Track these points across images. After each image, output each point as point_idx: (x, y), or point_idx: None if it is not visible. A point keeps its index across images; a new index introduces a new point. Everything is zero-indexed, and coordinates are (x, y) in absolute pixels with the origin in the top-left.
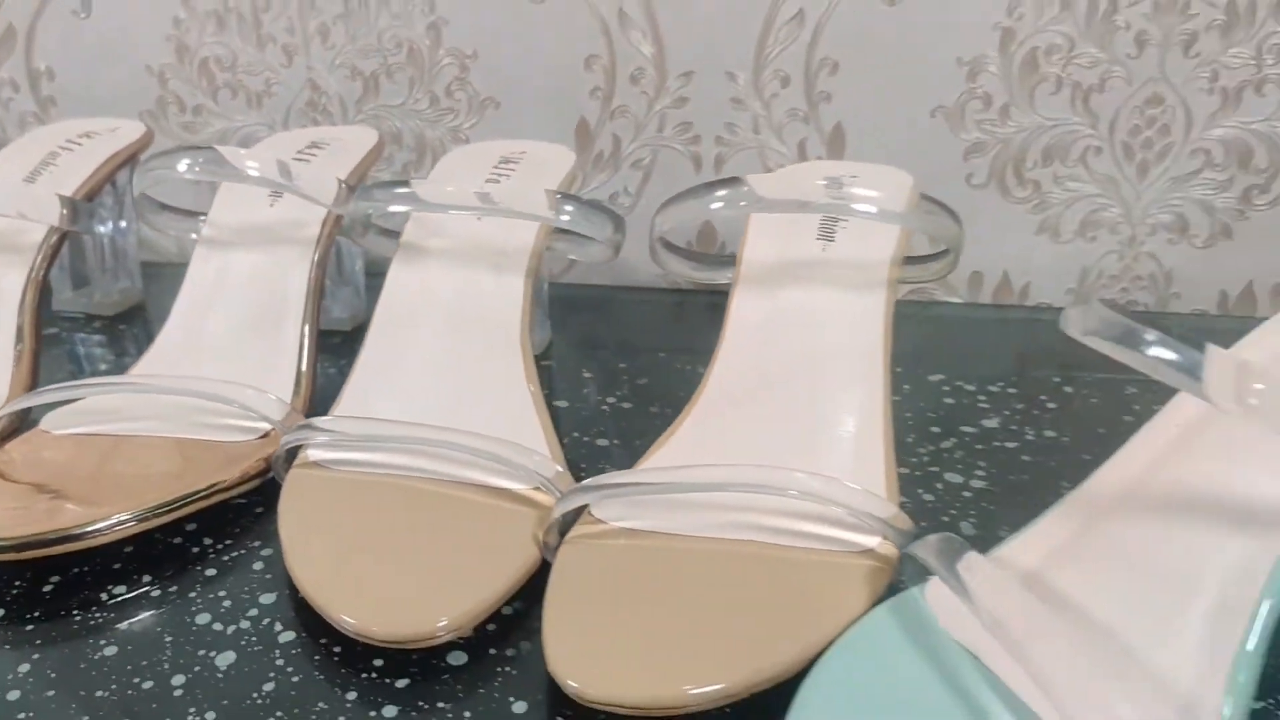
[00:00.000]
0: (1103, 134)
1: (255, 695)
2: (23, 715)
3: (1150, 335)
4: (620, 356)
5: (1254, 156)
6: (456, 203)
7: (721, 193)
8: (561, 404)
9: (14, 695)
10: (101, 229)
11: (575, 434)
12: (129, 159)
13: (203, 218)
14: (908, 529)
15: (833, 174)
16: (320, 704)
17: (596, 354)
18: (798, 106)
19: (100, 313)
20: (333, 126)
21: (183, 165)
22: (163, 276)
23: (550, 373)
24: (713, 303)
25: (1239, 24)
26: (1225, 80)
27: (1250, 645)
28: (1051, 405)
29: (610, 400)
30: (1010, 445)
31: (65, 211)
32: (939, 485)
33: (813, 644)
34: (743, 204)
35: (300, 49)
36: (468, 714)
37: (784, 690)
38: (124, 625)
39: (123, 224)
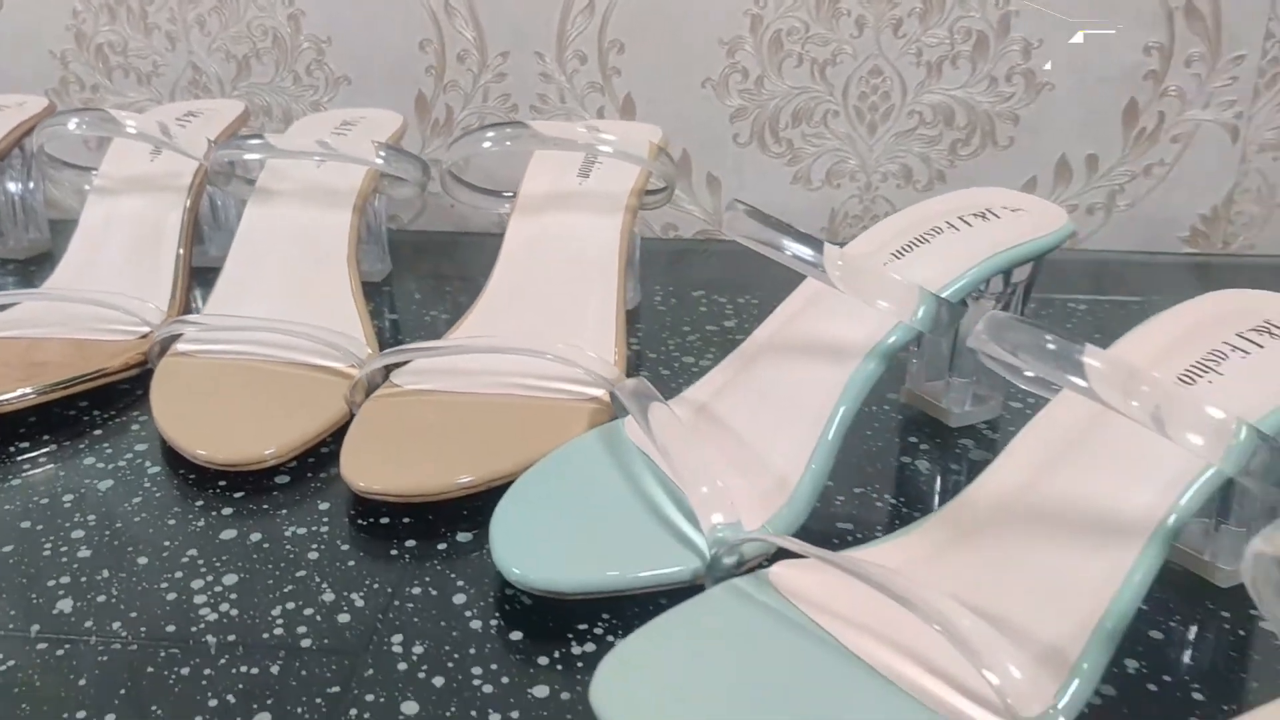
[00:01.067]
0: (838, 100)
1: (126, 506)
2: None
3: (786, 234)
4: (452, 284)
5: (955, 117)
6: (299, 149)
7: (491, 133)
8: (394, 317)
9: None
10: (11, 186)
11: (402, 338)
12: (33, 127)
13: (95, 171)
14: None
15: (593, 124)
16: (175, 509)
17: (433, 283)
18: (595, 80)
19: (13, 257)
20: (211, 100)
21: (72, 123)
22: (69, 230)
23: (392, 295)
24: None
25: (934, 10)
26: (928, 56)
27: (829, 437)
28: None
29: (433, 314)
30: (739, 338)
31: None
32: (676, 365)
33: (541, 452)
34: (508, 142)
35: (181, 35)
36: (285, 511)
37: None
38: (28, 467)
39: (30, 185)
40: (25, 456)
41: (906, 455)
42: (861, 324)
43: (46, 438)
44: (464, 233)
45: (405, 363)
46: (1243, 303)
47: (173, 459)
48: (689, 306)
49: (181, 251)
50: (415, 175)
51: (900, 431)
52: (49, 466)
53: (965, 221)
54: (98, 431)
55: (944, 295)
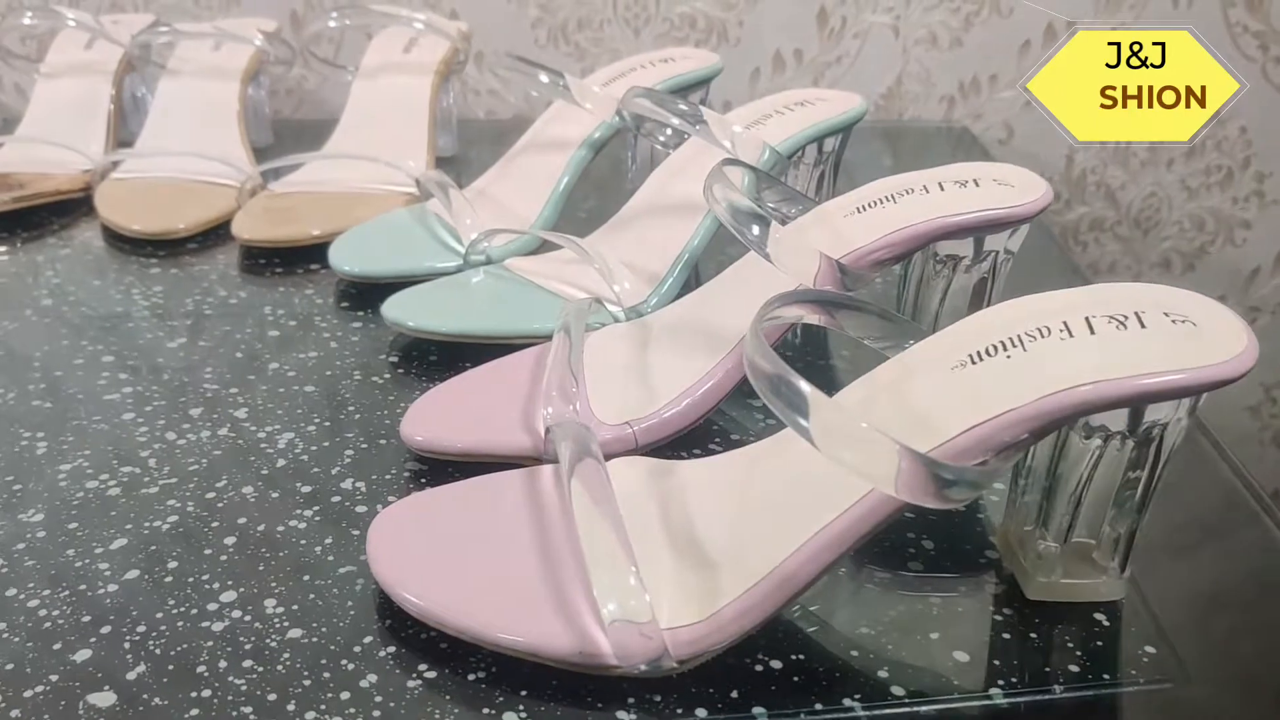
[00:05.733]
0: (610, 10)
1: (79, 268)
2: None
3: (536, 65)
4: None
5: (698, 22)
6: (201, 30)
7: (335, 12)
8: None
9: None
10: None
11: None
12: None
13: (41, 63)
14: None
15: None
16: (112, 265)
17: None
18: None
19: None
20: (129, 14)
21: (26, 19)
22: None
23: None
24: None
25: None
26: None
27: (556, 196)
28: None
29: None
30: None
31: None
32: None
33: (372, 217)
34: (347, 20)
35: None
36: (194, 259)
37: None
38: (4, 237)
39: None
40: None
41: None
42: (581, 124)
43: (5, 234)
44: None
45: (279, 178)
46: (651, 55)
47: (112, 235)
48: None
49: (111, 113)
50: (288, 55)
51: None
52: (25, 246)
53: (649, 65)
54: (57, 226)
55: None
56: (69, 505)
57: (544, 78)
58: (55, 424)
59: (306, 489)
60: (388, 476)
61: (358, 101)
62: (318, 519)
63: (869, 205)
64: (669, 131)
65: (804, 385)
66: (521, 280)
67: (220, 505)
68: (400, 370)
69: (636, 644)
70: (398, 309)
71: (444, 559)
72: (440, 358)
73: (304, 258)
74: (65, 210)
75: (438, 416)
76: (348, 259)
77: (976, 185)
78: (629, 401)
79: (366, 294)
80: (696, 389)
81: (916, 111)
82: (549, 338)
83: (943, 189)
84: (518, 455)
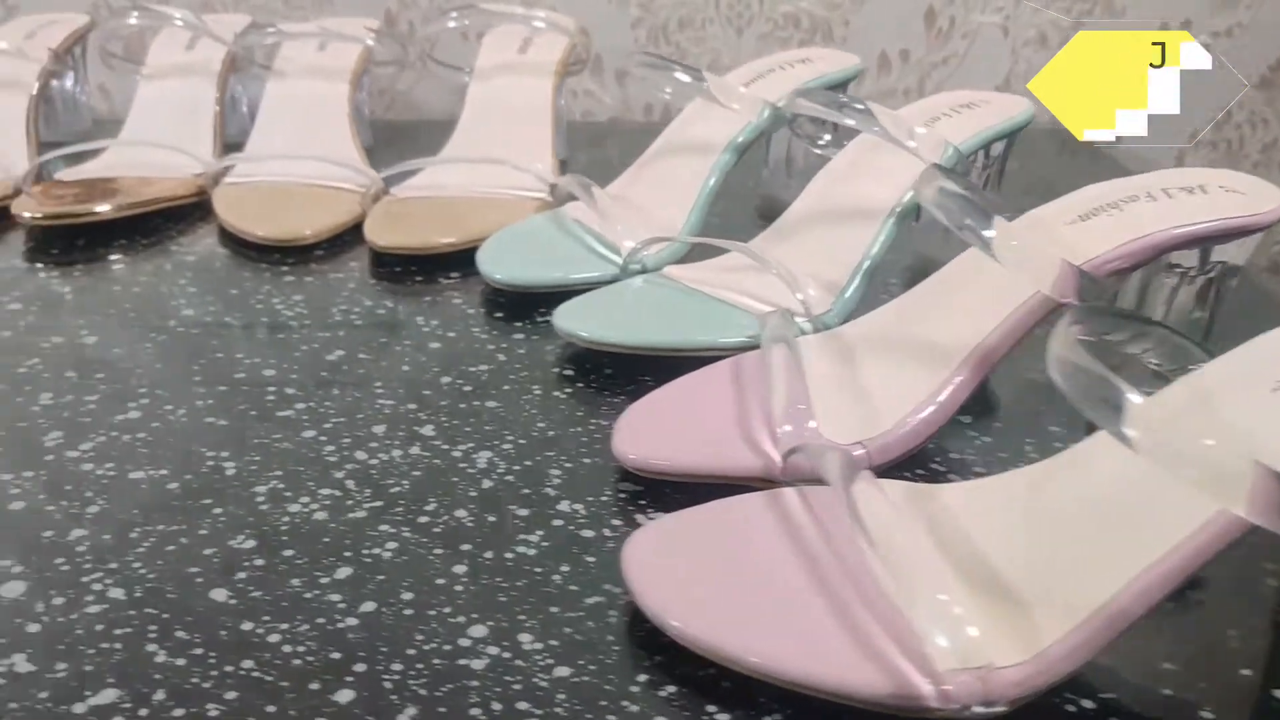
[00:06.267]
0: (713, 10)
1: (211, 277)
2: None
3: (672, 63)
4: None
5: (801, 21)
6: (306, 30)
7: (454, 13)
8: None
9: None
10: (67, 84)
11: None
12: (83, 35)
13: (144, 65)
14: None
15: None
16: (243, 273)
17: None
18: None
19: (64, 140)
20: (222, 14)
21: (133, 19)
22: (105, 126)
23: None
24: None
25: None
26: None
27: (700, 201)
28: None
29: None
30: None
31: (52, 50)
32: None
33: (506, 222)
34: (467, 20)
35: None
36: (324, 265)
37: None
38: (114, 249)
39: (79, 85)
40: (131, 247)
41: None
42: (725, 125)
43: (125, 241)
44: (424, 120)
45: (400, 181)
46: (790, 55)
47: (239, 242)
48: (602, 161)
49: (217, 113)
50: (399, 54)
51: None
52: (150, 254)
53: (789, 65)
54: (181, 238)
55: (778, 105)
56: (277, 531)
57: (683, 76)
58: (236, 443)
59: (523, 512)
60: (604, 498)
61: (475, 104)
62: (545, 544)
63: (1092, 213)
64: (827, 137)
65: (1134, 395)
66: (687, 289)
67: (437, 530)
68: (579, 384)
69: (965, 686)
70: (571, 319)
71: (713, 589)
72: (616, 370)
73: (439, 265)
74: (179, 216)
75: (648, 434)
76: (498, 267)
77: (1204, 192)
78: (852, 420)
79: (516, 303)
80: (924, 406)
81: None
82: (733, 350)
83: (1170, 196)
84: (746, 476)
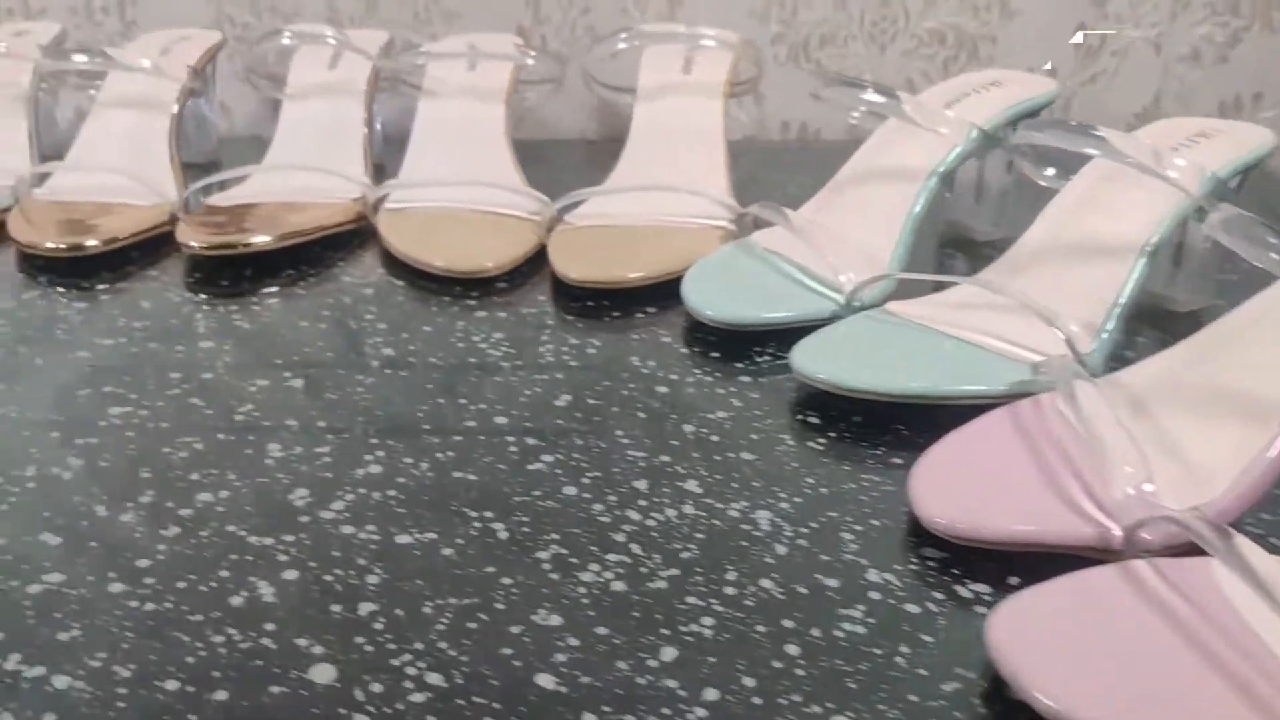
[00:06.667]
0: (856, 27)
1: (396, 311)
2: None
3: (864, 83)
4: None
5: (947, 38)
6: (454, 50)
7: (624, 34)
8: None
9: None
10: (201, 101)
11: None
12: (215, 53)
13: (287, 85)
14: (740, 213)
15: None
16: (430, 307)
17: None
18: (662, 11)
19: (193, 160)
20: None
21: (286, 38)
22: (228, 144)
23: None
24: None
25: None
26: None
27: (907, 230)
28: None
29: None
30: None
31: (191, 67)
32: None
33: (700, 255)
34: (636, 41)
35: None
36: (510, 298)
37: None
38: (282, 280)
39: (209, 103)
40: (295, 277)
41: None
42: (927, 149)
43: (297, 269)
44: (552, 140)
45: (572, 208)
46: (983, 75)
47: (411, 272)
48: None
49: (365, 137)
50: (556, 71)
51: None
52: (309, 283)
53: (985, 89)
54: (341, 263)
55: (986, 129)
56: (580, 606)
57: (876, 97)
58: (496, 501)
59: (831, 582)
60: (911, 566)
61: (641, 126)
62: (871, 620)
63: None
64: (1052, 171)
65: None
66: (923, 329)
67: (749, 604)
68: (831, 433)
69: None
70: (813, 362)
71: (1104, 677)
72: (865, 418)
73: (631, 299)
74: (338, 244)
75: (948, 495)
76: (708, 303)
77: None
78: (1180, 482)
79: (728, 341)
80: (1255, 465)
81: None
82: (998, 398)
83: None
84: (1078, 546)
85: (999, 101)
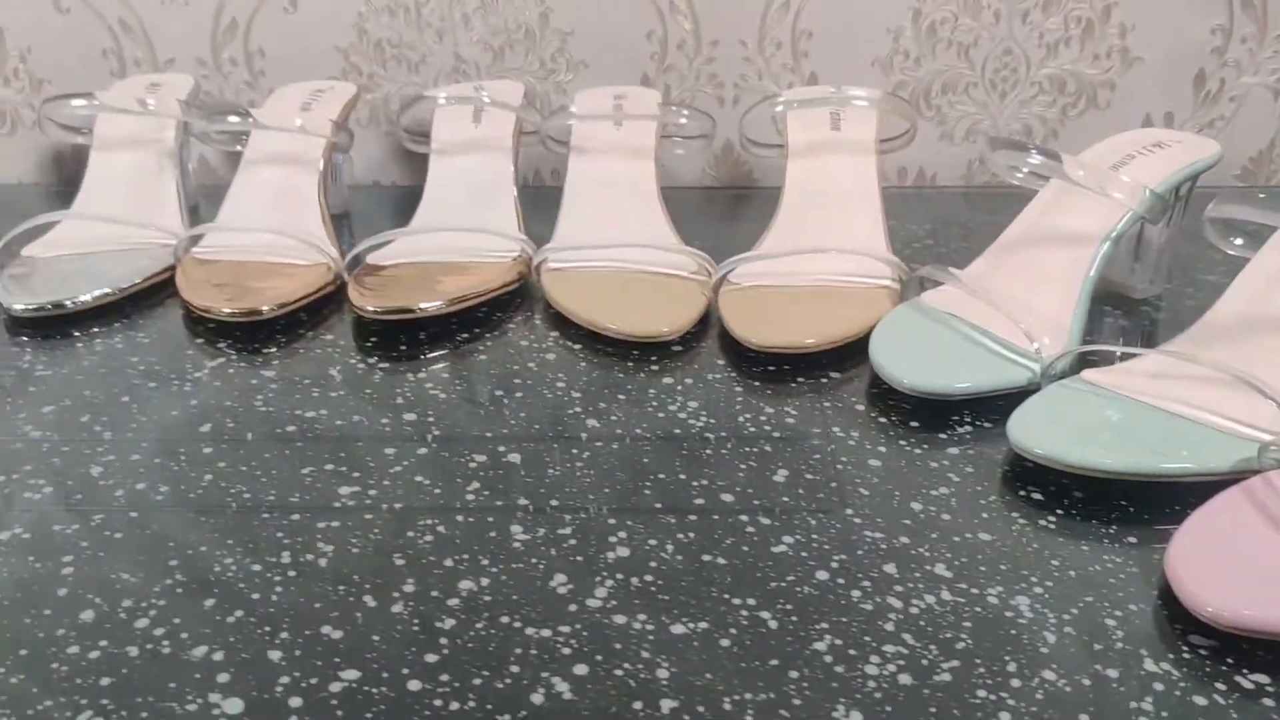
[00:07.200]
0: (977, 74)
1: (583, 376)
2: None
3: (1033, 148)
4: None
5: (1066, 85)
6: (599, 112)
7: (782, 97)
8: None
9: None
10: (338, 155)
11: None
12: (353, 106)
13: (433, 141)
14: (906, 275)
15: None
16: (615, 373)
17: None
18: (787, 62)
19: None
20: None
21: (442, 98)
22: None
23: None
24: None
25: (1053, 3)
26: (1048, 39)
27: (1086, 294)
28: (967, 240)
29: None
30: (936, 246)
31: (334, 122)
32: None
33: (876, 317)
34: (778, 107)
35: (449, 31)
36: (689, 362)
37: (867, 341)
38: (459, 344)
39: (344, 156)
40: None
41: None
42: (1097, 212)
43: (472, 331)
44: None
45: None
46: (1142, 134)
47: (583, 333)
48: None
49: (515, 193)
50: (707, 128)
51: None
52: (496, 348)
53: (1149, 150)
54: (510, 325)
55: (1159, 191)
56: (874, 700)
57: (1039, 159)
58: (754, 587)
59: (1112, 673)
60: (1185, 656)
61: (795, 184)
62: (1164, 715)
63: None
64: (1240, 240)
65: None
66: (1130, 400)
67: (1040, 697)
68: (1059, 511)
69: None
70: (1027, 436)
71: None
72: (1087, 494)
73: (811, 363)
74: (498, 302)
75: (1211, 582)
76: (905, 372)
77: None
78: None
79: (924, 411)
80: None
81: None
82: (1224, 476)
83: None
84: None
85: (1166, 164)
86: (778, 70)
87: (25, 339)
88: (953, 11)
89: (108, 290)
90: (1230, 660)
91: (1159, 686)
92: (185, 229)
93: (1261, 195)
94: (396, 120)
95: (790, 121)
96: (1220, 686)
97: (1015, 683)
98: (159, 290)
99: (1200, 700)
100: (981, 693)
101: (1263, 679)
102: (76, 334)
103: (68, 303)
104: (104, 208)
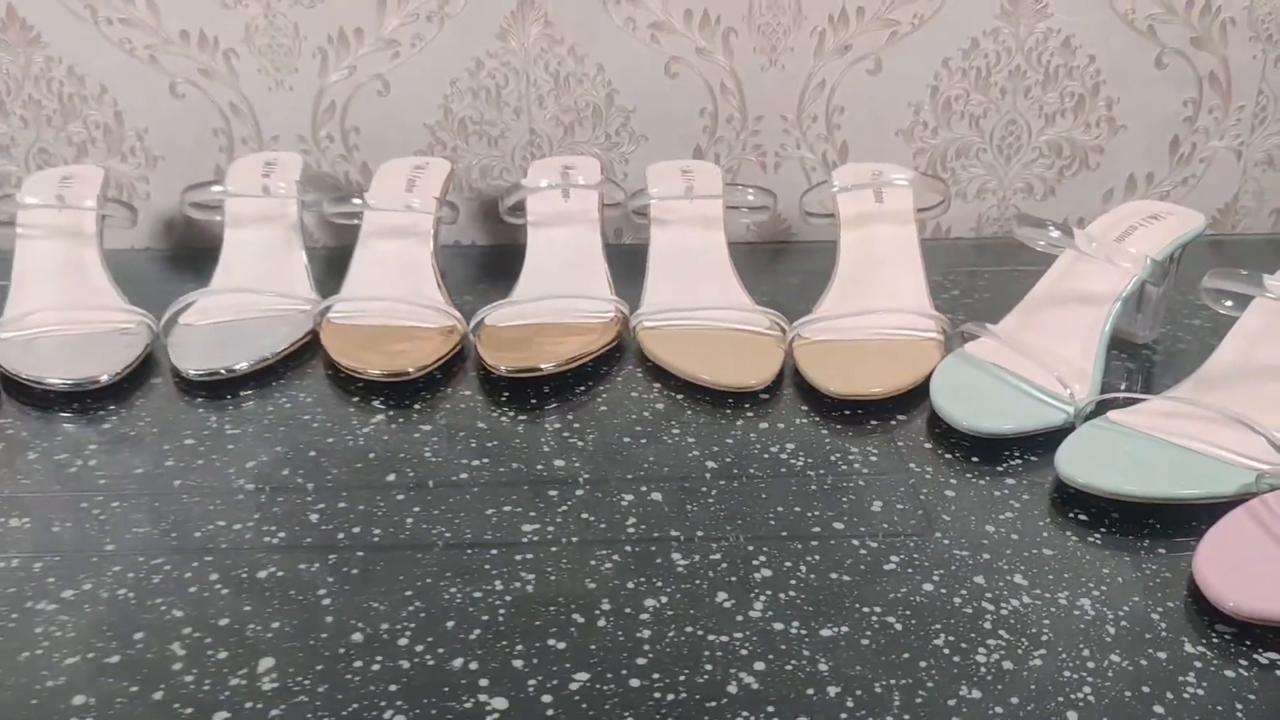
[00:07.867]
0: (986, 141)
1: (684, 428)
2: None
3: (1051, 225)
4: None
5: (1063, 150)
6: (671, 193)
7: (837, 179)
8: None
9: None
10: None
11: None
12: (450, 181)
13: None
14: (949, 329)
15: (875, 172)
16: (721, 420)
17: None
18: (821, 132)
19: None
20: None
21: (544, 181)
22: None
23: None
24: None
25: (1050, 81)
26: (1046, 110)
27: (1102, 346)
28: (980, 286)
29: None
30: (957, 294)
31: (437, 199)
32: (949, 315)
33: (929, 368)
34: (833, 189)
35: (525, 110)
36: (776, 409)
37: (923, 387)
38: (577, 398)
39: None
40: (596, 394)
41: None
42: (1107, 276)
43: (581, 389)
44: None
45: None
46: (1141, 206)
47: (679, 383)
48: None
49: (605, 265)
50: (771, 203)
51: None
52: (611, 400)
53: (1146, 222)
54: (609, 377)
55: (1159, 259)
56: (986, 682)
57: (1055, 234)
58: (872, 597)
59: (1161, 655)
60: (1214, 640)
61: (849, 254)
62: (1204, 685)
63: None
64: (1229, 302)
65: None
66: (1149, 437)
67: (1111, 674)
68: (1103, 530)
69: None
70: (1074, 469)
71: None
72: (1122, 515)
73: (879, 407)
74: (602, 359)
75: (1230, 582)
76: (966, 416)
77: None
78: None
79: (979, 446)
80: None
81: (1249, 225)
82: (1224, 499)
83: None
84: None
85: (1164, 234)
86: (813, 139)
87: (200, 400)
88: (965, 88)
89: (265, 356)
90: (1248, 642)
91: (1198, 664)
92: (316, 296)
93: (1243, 272)
94: (500, 206)
95: (840, 197)
96: (1243, 663)
97: (1090, 664)
98: (301, 353)
99: (1230, 673)
100: (1067, 672)
101: (1275, 655)
102: (245, 394)
103: (238, 367)
104: (241, 279)
